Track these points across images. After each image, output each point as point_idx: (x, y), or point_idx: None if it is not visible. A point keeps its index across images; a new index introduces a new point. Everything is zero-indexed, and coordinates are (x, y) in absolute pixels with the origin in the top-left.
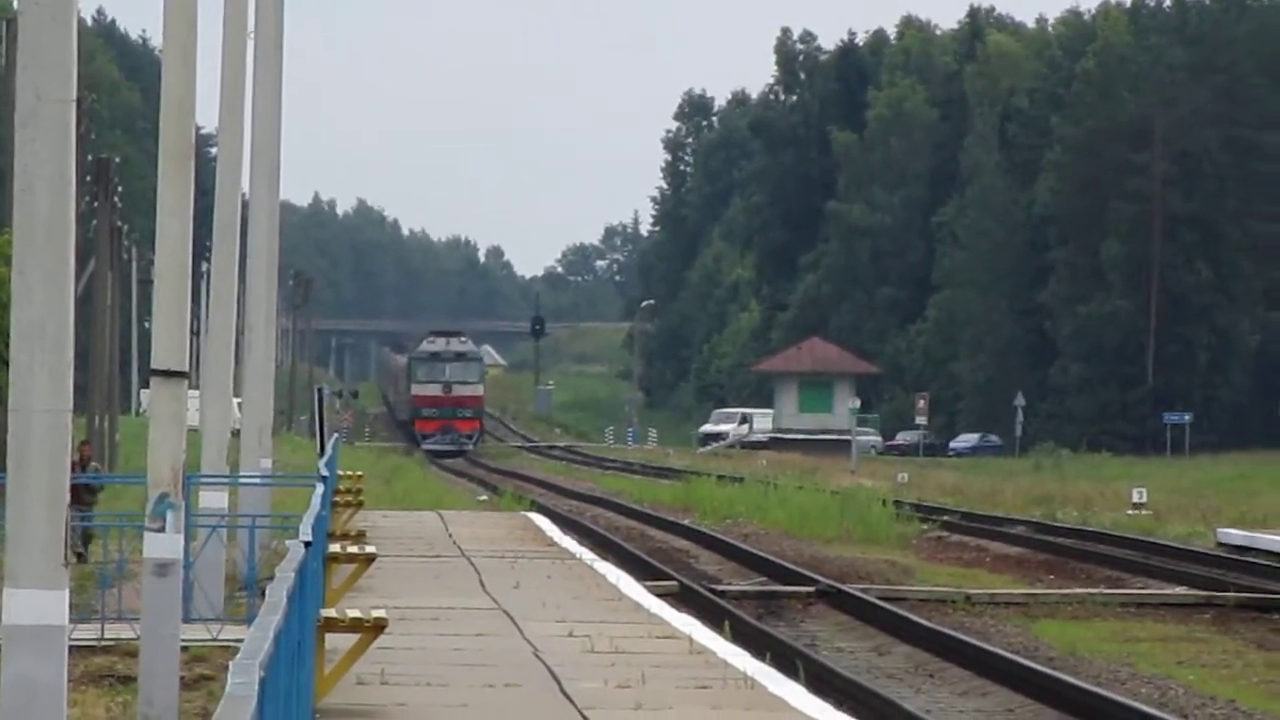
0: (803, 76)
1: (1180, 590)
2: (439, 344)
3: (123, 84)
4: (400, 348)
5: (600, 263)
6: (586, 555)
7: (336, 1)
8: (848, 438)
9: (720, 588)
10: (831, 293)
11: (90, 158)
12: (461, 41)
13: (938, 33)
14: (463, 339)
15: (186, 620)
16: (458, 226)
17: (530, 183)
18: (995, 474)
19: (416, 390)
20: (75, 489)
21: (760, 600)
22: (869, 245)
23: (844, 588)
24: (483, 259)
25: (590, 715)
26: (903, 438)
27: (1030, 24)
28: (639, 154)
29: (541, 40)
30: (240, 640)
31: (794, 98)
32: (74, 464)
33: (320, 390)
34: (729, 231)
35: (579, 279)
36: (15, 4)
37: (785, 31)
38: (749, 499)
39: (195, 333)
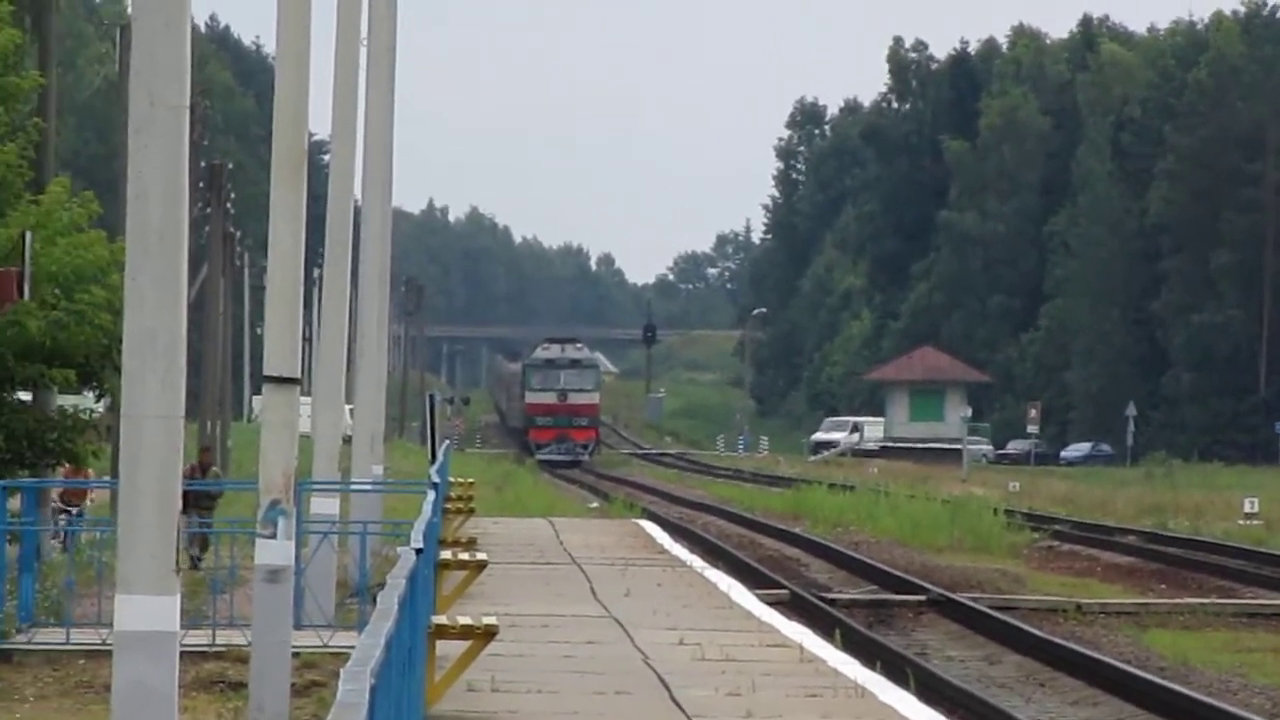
0: (915, 85)
1: None
2: (554, 351)
3: (236, 90)
4: (513, 355)
5: (712, 270)
6: (697, 563)
7: (449, 7)
8: (959, 446)
9: (831, 596)
10: (943, 301)
11: (203, 164)
12: (574, 48)
13: (1049, 41)
14: (578, 345)
15: (298, 627)
16: (569, 234)
17: (642, 190)
18: (1107, 483)
19: (530, 398)
20: (196, 495)
21: (871, 609)
22: (981, 254)
23: (955, 596)
24: (594, 266)
25: None
26: (1014, 446)
27: (1143, 33)
28: (751, 162)
29: (655, 46)
30: (351, 647)
31: (906, 106)
32: (194, 469)
33: (432, 397)
34: (841, 240)
35: (690, 286)
36: (130, 10)
37: (897, 40)
38: (860, 507)
39: (307, 339)
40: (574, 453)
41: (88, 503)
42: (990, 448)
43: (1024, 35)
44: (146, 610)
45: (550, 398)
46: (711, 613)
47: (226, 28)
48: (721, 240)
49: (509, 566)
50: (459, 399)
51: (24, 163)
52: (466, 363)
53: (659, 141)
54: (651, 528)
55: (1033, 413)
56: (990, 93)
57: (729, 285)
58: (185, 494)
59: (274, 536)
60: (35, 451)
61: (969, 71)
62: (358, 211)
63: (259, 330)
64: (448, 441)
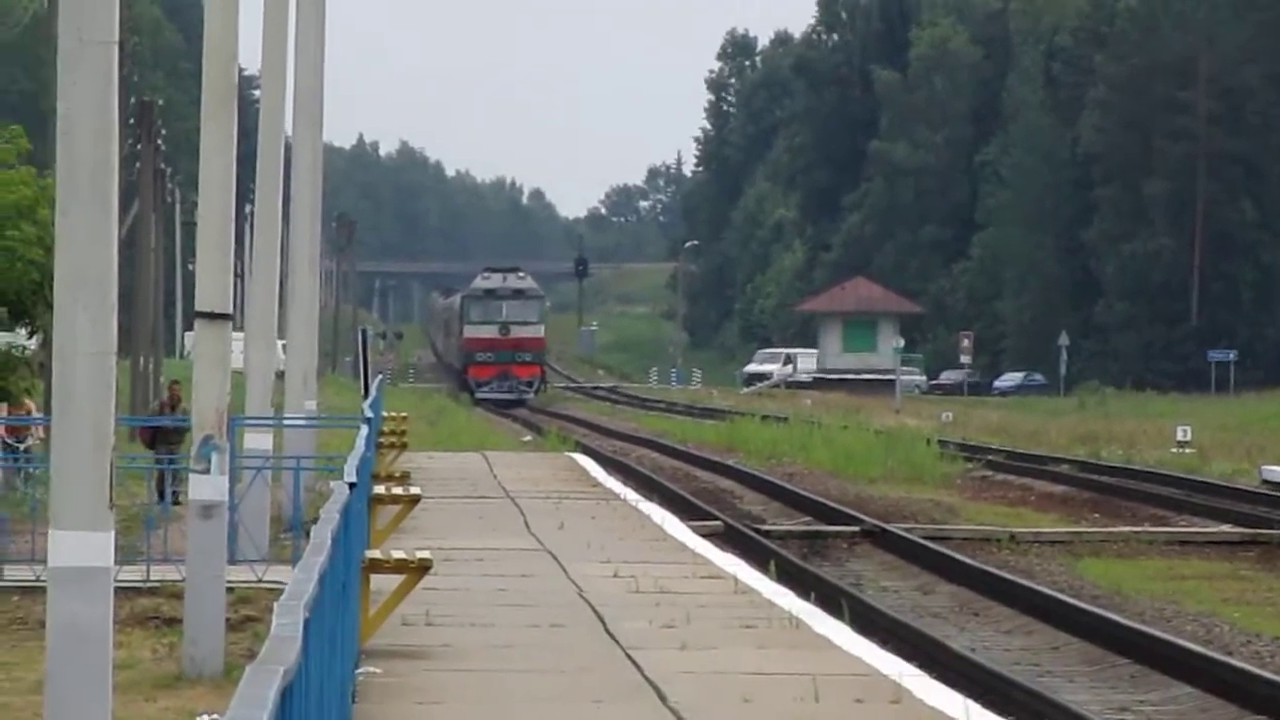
0: (844, 16)
1: (1225, 528)
2: (494, 280)
3: (164, 25)
4: (448, 290)
5: (644, 203)
6: (631, 496)
7: None
8: (892, 377)
9: (765, 527)
10: (875, 232)
11: (132, 100)
12: None
13: None
14: (521, 274)
15: (231, 562)
16: (501, 168)
17: (573, 123)
18: (1040, 413)
19: (469, 332)
20: (165, 430)
21: (805, 540)
22: (912, 184)
23: (888, 527)
24: (525, 200)
25: (635, 655)
26: (947, 377)
27: None
28: (682, 94)
29: None
30: (285, 582)
31: (836, 37)
32: (163, 405)
33: (364, 332)
34: (772, 172)
35: (622, 220)
36: None
37: None
38: (793, 439)
39: (239, 275)
40: (518, 390)
41: (34, 439)
42: (923, 378)
43: None
44: (80, 546)
45: (491, 331)
46: (645, 545)
47: None
48: (653, 173)
49: (443, 501)
50: (391, 334)
51: None
52: (399, 298)
53: (589, 74)
54: (585, 461)
55: (965, 343)
56: (920, 23)
57: (661, 218)
58: (153, 430)
59: (207, 472)
60: None
61: (898, 2)
62: (288, 147)
63: (191, 266)
64: (380, 376)
